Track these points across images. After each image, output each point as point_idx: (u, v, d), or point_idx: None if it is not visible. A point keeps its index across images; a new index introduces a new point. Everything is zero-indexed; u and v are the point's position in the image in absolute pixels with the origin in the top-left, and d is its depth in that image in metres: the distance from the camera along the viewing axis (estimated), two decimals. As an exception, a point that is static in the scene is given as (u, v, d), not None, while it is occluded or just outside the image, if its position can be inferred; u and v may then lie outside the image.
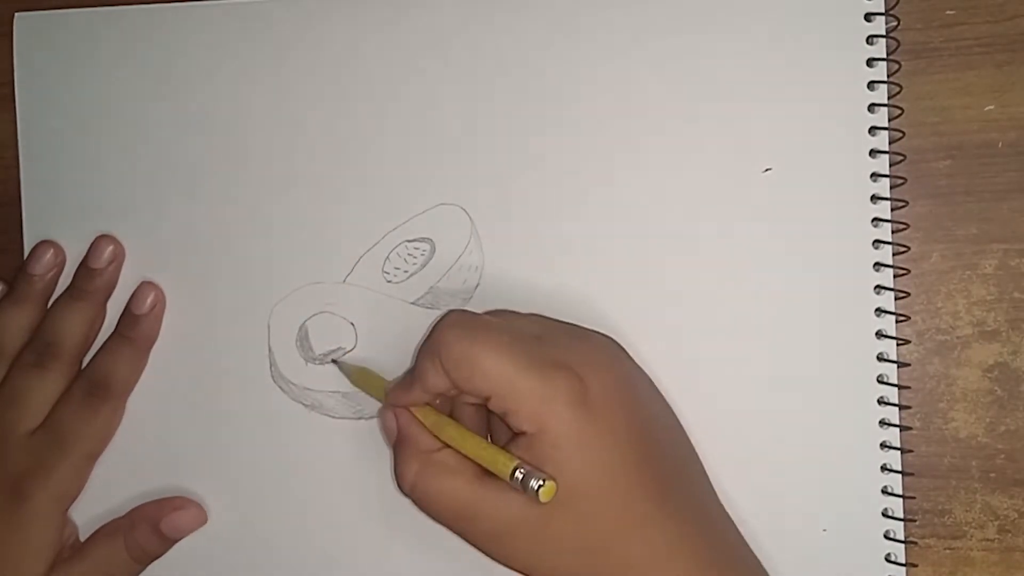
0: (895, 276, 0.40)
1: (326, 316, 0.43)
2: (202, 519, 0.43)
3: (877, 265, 0.40)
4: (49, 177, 0.44)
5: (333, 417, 0.43)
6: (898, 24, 0.41)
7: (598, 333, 0.39)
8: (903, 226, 0.41)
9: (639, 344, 0.41)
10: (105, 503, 0.44)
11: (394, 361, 0.42)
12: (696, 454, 0.39)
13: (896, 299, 0.40)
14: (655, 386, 0.39)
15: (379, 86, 0.43)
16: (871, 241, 0.40)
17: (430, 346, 0.36)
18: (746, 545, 0.39)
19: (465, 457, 0.36)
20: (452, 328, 0.36)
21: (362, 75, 0.43)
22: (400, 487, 0.37)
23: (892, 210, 0.41)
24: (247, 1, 0.44)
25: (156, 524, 0.42)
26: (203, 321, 0.44)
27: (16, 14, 0.45)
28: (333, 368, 0.43)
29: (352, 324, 0.43)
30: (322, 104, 0.43)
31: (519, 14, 0.42)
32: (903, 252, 0.41)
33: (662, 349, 0.41)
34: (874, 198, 0.40)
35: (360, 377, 0.42)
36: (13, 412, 0.42)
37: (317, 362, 0.43)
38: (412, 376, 0.38)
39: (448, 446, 0.37)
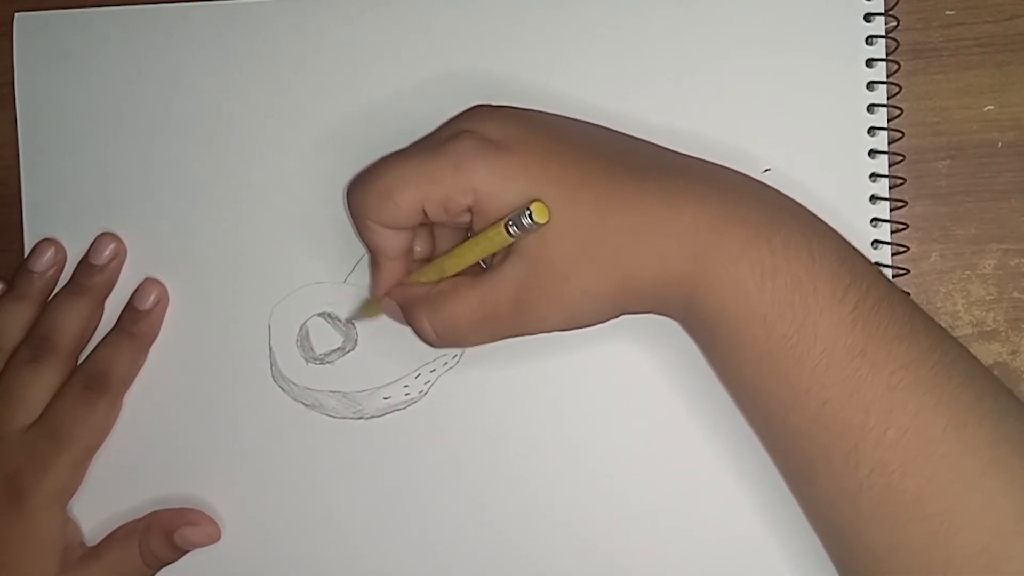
0: (894, 276, 0.40)
1: (326, 316, 0.43)
2: (216, 535, 0.43)
3: (876, 265, 0.40)
4: (49, 177, 0.44)
5: (333, 417, 0.43)
6: (897, 24, 0.41)
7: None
8: (902, 226, 0.41)
9: (638, 339, 0.41)
10: (108, 504, 0.44)
11: (394, 361, 0.43)
12: (602, 127, 0.39)
13: (895, 299, 0.40)
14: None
15: (379, 86, 0.43)
16: (870, 241, 0.41)
17: (353, 219, 0.37)
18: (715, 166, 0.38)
19: (455, 277, 0.36)
20: (350, 190, 0.38)
21: (362, 75, 0.43)
22: (431, 345, 0.37)
23: (891, 210, 0.41)
24: (247, 1, 0.44)
25: (170, 534, 0.42)
26: (204, 321, 0.44)
27: (16, 14, 0.44)
28: (333, 368, 0.43)
29: (353, 324, 0.43)
30: (322, 104, 0.43)
31: (519, 15, 0.42)
32: (902, 252, 0.41)
33: (661, 348, 0.41)
34: (873, 198, 0.41)
35: (369, 309, 0.42)
36: (8, 408, 0.42)
37: (318, 362, 0.43)
38: (371, 262, 0.39)
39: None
